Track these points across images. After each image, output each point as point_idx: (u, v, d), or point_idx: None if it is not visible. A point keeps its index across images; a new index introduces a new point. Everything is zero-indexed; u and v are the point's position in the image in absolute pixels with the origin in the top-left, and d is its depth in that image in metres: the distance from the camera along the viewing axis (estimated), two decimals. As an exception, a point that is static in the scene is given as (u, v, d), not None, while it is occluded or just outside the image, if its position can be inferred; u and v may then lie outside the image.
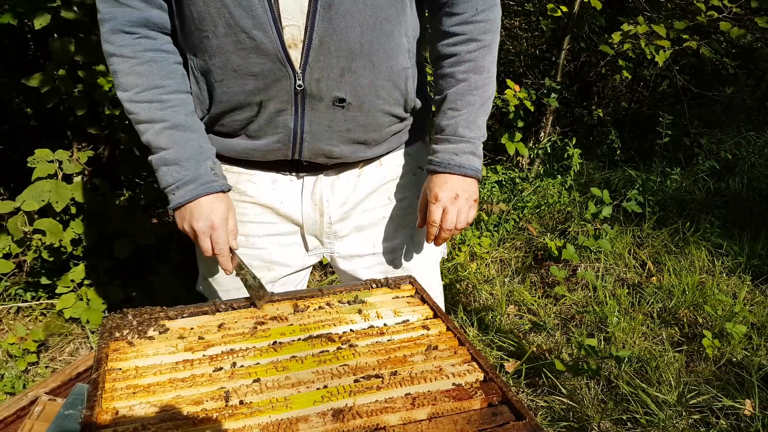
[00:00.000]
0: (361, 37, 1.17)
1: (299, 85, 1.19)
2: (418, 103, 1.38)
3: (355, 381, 0.95)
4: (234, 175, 1.37)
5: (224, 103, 1.25)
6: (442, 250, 1.60)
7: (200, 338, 1.08)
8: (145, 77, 1.22)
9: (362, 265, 1.48)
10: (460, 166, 1.30)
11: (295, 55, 1.17)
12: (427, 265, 1.55)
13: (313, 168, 1.36)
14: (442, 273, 3.17)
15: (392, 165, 1.43)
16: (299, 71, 1.18)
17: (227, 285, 1.47)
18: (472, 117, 1.30)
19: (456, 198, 1.30)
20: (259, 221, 1.40)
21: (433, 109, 1.45)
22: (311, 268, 1.59)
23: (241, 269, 1.28)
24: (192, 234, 1.27)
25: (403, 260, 1.50)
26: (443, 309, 1.58)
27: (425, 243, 1.49)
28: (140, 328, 1.09)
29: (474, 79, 1.29)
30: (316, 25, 1.14)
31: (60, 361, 2.55)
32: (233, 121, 1.28)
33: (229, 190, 1.30)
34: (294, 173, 1.37)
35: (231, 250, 1.28)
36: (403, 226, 1.47)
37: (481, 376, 0.99)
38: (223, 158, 1.35)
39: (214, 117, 1.29)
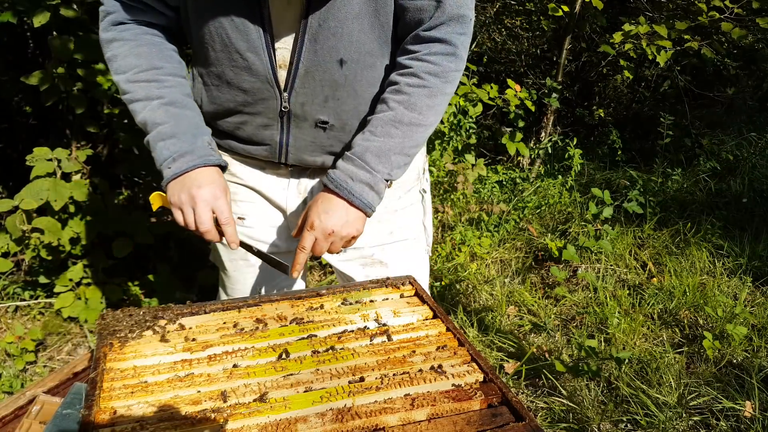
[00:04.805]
0: (345, 70, 1.23)
1: (285, 107, 1.27)
2: None
3: (355, 381, 0.95)
4: (227, 157, 1.43)
5: (218, 106, 1.32)
6: (428, 245, 1.62)
7: (199, 338, 1.07)
8: (144, 58, 1.25)
9: (342, 257, 1.52)
10: (350, 192, 1.23)
11: (283, 78, 1.24)
12: (408, 257, 1.55)
13: (299, 169, 1.42)
14: (442, 273, 3.19)
15: None
16: (285, 94, 1.25)
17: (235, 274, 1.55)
18: (385, 149, 1.23)
19: (330, 235, 1.24)
20: (249, 201, 1.47)
21: None
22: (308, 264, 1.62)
23: (246, 246, 1.28)
24: (190, 202, 1.21)
25: (383, 254, 1.52)
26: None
27: (406, 237, 1.52)
28: (139, 328, 1.09)
29: (401, 114, 1.23)
30: (303, 55, 1.20)
31: (58, 360, 2.55)
32: (225, 123, 1.35)
33: (226, 166, 1.30)
34: (282, 171, 1.43)
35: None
36: (382, 222, 1.50)
37: (480, 376, 0.98)
38: (217, 146, 1.42)
39: (208, 115, 1.36)
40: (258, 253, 1.35)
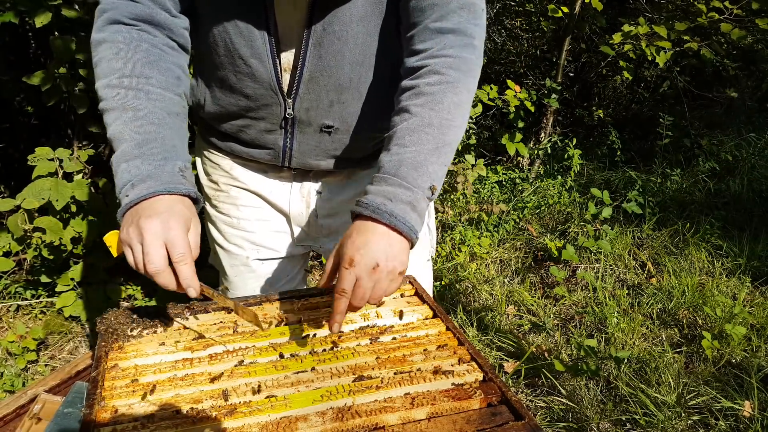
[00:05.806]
0: (350, 73, 1.19)
1: (289, 113, 1.24)
2: None
3: (355, 380, 0.95)
4: (228, 161, 1.41)
5: (221, 108, 1.29)
6: (432, 248, 1.60)
7: (200, 337, 1.08)
8: (132, 63, 1.06)
9: None
10: (391, 214, 1.00)
11: (287, 84, 1.21)
12: (412, 260, 1.51)
13: (302, 172, 1.40)
14: (442, 273, 3.20)
15: None
16: (290, 100, 1.22)
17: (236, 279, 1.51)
18: (420, 158, 1.04)
19: (375, 269, 0.98)
20: (251, 205, 1.44)
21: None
22: (307, 265, 1.63)
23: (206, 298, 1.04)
24: (138, 236, 0.95)
25: None
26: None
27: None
28: (140, 327, 1.09)
29: (428, 116, 1.07)
30: (307, 61, 1.16)
31: (59, 359, 2.55)
32: (228, 125, 1.33)
33: (198, 199, 1.07)
34: (285, 174, 1.41)
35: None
36: None
37: (480, 376, 0.99)
38: (218, 148, 1.41)
39: (211, 116, 1.33)
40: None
